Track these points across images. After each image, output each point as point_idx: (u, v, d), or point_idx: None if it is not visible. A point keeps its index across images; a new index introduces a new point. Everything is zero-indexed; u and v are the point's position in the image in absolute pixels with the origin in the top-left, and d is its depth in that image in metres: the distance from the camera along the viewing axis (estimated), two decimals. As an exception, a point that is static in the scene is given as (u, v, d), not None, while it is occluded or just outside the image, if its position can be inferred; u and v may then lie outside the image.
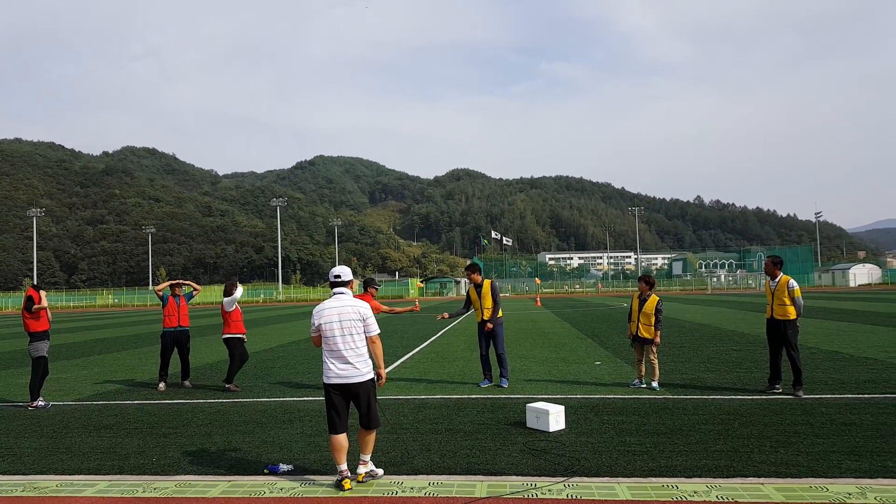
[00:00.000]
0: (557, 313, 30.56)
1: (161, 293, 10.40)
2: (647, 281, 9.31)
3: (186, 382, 10.53)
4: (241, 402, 9.01)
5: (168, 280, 10.46)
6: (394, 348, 15.69)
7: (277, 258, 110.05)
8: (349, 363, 5.13)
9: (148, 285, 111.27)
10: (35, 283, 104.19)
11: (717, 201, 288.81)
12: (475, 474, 5.34)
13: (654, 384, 8.96)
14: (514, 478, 5.23)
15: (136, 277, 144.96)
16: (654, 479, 5.06)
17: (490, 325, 9.53)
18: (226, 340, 10.22)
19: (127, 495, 5.07)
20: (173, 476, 5.55)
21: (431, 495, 4.85)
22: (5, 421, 8.15)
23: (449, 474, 5.36)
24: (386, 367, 11.81)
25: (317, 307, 5.40)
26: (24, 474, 5.74)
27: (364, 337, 5.25)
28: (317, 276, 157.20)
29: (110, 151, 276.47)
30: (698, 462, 5.46)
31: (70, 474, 5.68)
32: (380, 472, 5.37)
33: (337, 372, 5.13)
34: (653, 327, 8.97)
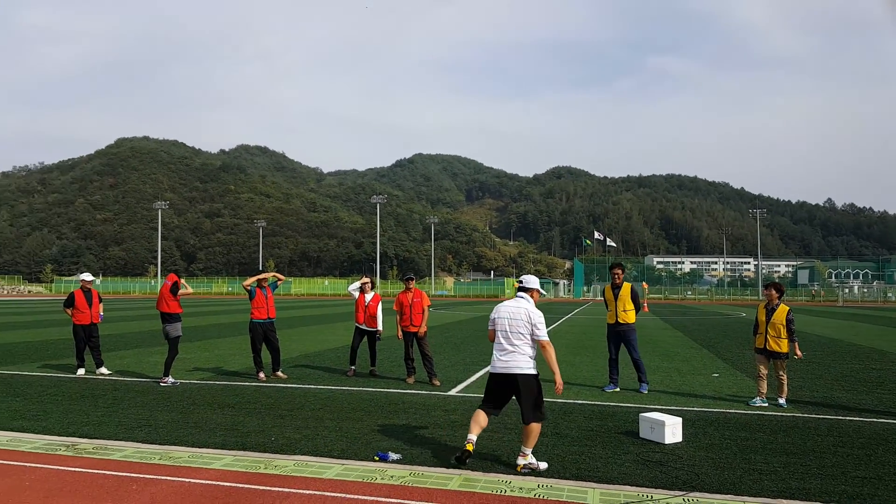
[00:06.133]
0: (667, 320, 29.29)
1: (249, 287, 10.43)
2: (777, 288, 8.71)
3: (280, 373, 10.42)
4: (347, 390, 9.29)
5: (255, 275, 10.68)
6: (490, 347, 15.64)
7: (376, 254, 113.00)
8: (509, 355, 5.54)
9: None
10: (160, 270, 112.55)
11: (852, 205, 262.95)
12: (585, 480, 5.21)
13: (781, 401, 8.37)
14: (627, 487, 5.05)
15: (247, 268, 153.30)
16: (784, 501, 4.72)
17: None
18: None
19: (251, 470, 5.34)
20: (291, 455, 5.79)
21: (541, 497, 4.77)
22: (141, 395, 8.84)
23: (558, 478, 5.25)
24: (485, 367, 11.87)
25: (497, 305, 5.86)
26: (159, 444, 6.18)
27: (528, 339, 5.55)
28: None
29: (227, 149, 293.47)
30: (836, 487, 5.04)
31: (199, 447, 6.07)
32: (542, 465, 5.46)
33: (498, 362, 5.59)
34: (785, 340, 8.39)
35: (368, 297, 10.87)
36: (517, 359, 5.50)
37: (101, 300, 11.35)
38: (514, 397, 5.61)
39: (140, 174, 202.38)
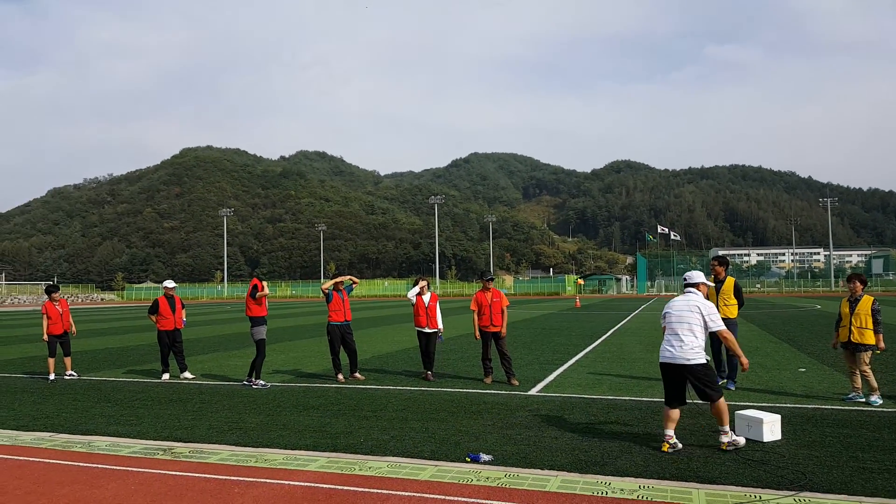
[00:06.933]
0: (740, 314, 28.22)
1: (327, 290, 10.68)
2: (860, 279, 8.26)
3: (358, 374, 10.58)
4: (427, 391, 9.31)
5: (333, 278, 10.89)
6: (564, 346, 15.45)
7: (434, 254, 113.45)
8: (674, 346, 5.93)
9: (319, 279, 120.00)
10: (226, 275, 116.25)
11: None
12: (687, 480, 5.04)
13: (874, 398, 7.86)
14: (732, 488, 4.86)
15: (309, 271, 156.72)
16: (908, 504, 4.43)
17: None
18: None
19: (346, 472, 5.39)
20: (383, 457, 5.83)
21: (645, 498, 4.63)
22: (227, 398, 9.09)
23: (658, 479, 5.10)
24: (561, 366, 11.73)
25: (669, 301, 6.31)
26: (252, 447, 6.32)
27: (695, 330, 5.90)
28: (470, 272, 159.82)
29: (286, 155, 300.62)
30: (964, 489, 4.70)
31: (292, 449, 6.17)
32: (741, 440, 5.92)
33: (666, 352, 6.00)
34: (870, 331, 7.94)
35: (426, 298, 10.69)
36: (685, 350, 5.86)
37: (183, 306, 11.75)
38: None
39: (204, 182, 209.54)
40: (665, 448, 5.83)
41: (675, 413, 5.99)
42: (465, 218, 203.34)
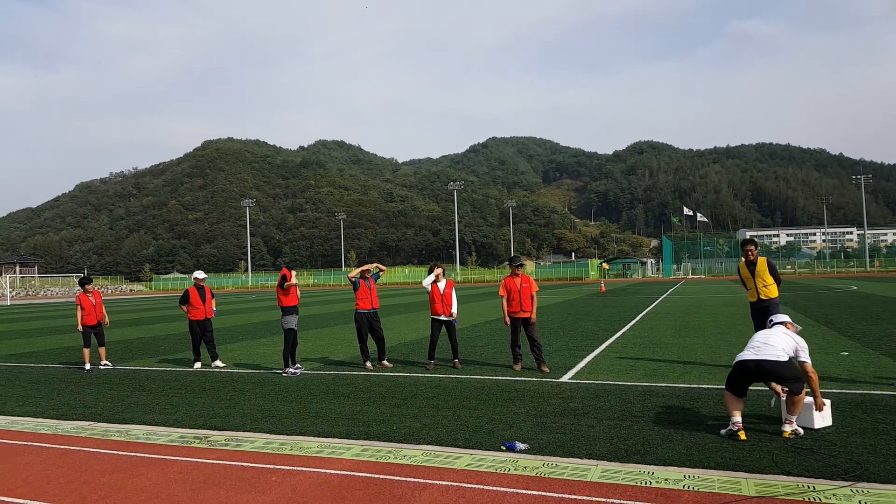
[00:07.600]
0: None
1: (354, 279, 10.60)
2: None
3: (385, 362, 10.53)
4: (456, 378, 9.21)
5: (357, 265, 10.79)
6: (592, 331, 15.25)
7: (454, 240, 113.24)
8: (760, 347, 5.96)
9: (341, 267, 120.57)
10: (250, 265, 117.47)
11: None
12: (735, 470, 4.86)
13: None
14: (783, 477, 4.67)
15: (330, 260, 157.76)
16: (975, 494, 4.22)
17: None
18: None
19: (381, 460, 5.32)
20: (417, 445, 5.74)
21: (691, 489, 4.47)
22: (259, 386, 9.10)
23: (703, 468, 4.93)
24: (592, 352, 11.55)
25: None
26: (286, 434, 6.29)
27: (782, 346, 5.94)
28: (491, 258, 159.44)
29: (305, 146, 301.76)
30: None
31: (326, 437, 6.12)
32: (801, 430, 5.84)
33: (748, 353, 6.01)
34: None
35: (442, 285, 10.44)
36: (774, 351, 5.88)
37: (213, 296, 11.78)
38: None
39: (226, 174, 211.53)
40: (744, 437, 5.73)
41: (737, 400, 5.94)
42: (485, 203, 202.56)
